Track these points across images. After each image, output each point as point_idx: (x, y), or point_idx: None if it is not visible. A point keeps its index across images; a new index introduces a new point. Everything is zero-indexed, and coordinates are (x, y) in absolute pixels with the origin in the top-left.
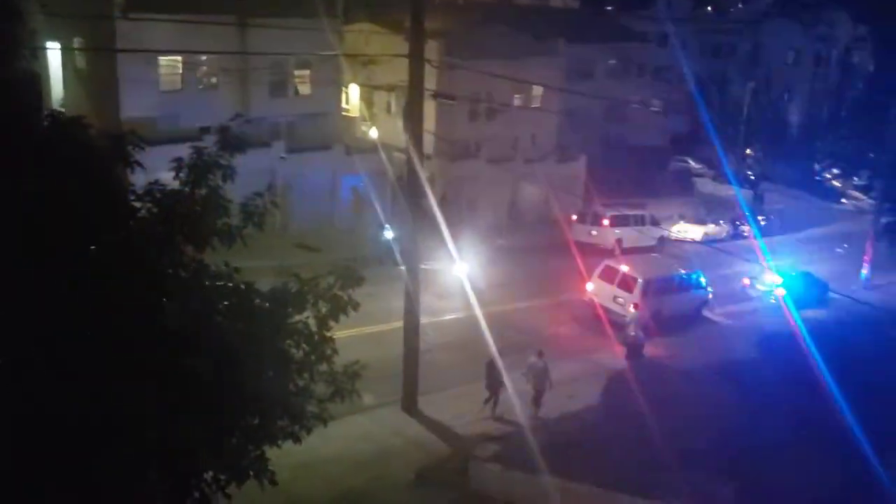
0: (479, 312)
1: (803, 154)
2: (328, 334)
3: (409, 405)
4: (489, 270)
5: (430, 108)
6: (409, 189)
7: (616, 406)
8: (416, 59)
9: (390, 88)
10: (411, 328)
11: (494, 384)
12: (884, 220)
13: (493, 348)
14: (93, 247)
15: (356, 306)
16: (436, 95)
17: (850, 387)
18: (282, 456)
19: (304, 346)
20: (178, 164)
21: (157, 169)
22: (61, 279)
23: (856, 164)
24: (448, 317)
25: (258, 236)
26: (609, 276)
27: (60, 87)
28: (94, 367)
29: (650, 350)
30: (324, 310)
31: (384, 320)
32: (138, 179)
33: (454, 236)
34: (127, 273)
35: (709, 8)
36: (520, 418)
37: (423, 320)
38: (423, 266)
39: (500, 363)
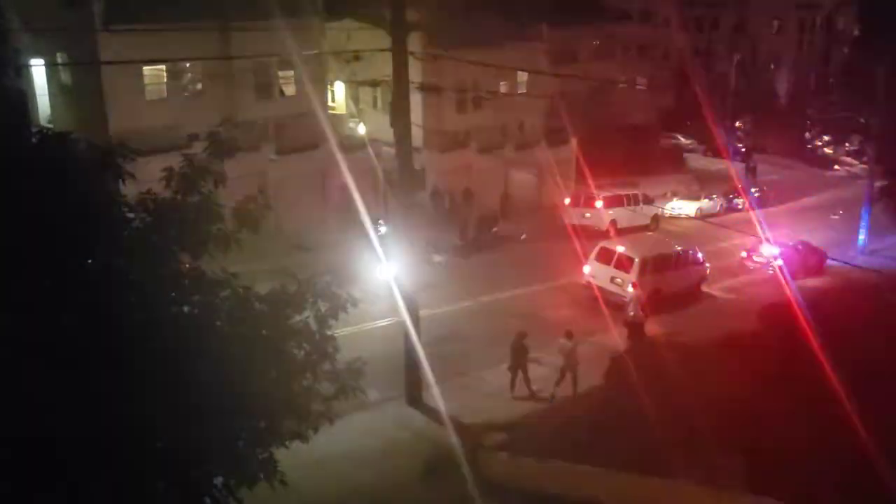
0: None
1: (793, 123)
2: (329, 333)
3: (414, 399)
4: (486, 258)
5: (416, 101)
6: (400, 183)
7: (620, 387)
8: (399, 53)
9: (375, 83)
10: (411, 321)
11: (516, 365)
12: (877, 184)
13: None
14: (89, 260)
15: (355, 303)
16: (421, 88)
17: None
18: (290, 456)
19: (305, 345)
20: (168, 173)
21: (149, 179)
22: (57, 293)
23: (846, 129)
24: (447, 308)
25: (253, 239)
26: (605, 257)
27: (47, 103)
28: (95, 379)
29: (651, 329)
30: (323, 308)
31: (383, 315)
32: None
33: (447, 227)
34: (123, 285)
35: None
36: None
37: (423, 312)
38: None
39: (524, 344)
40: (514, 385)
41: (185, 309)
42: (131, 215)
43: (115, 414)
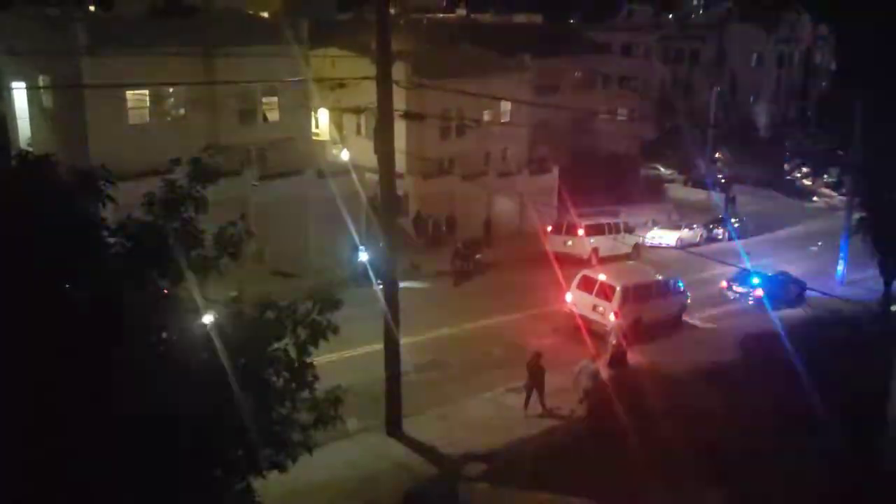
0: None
1: (772, 154)
2: (308, 360)
3: (394, 428)
4: (469, 284)
5: (400, 128)
6: (383, 209)
7: (602, 416)
8: (384, 81)
9: (359, 111)
10: (392, 350)
11: (532, 384)
12: (855, 216)
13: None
14: (67, 285)
15: (335, 330)
16: (405, 116)
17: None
18: (267, 487)
19: (284, 373)
20: (150, 198)
21: (130, 203)
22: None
23: (824, 161)
24: (429, 335)
25: (234, 265)
26: (587, 285)
27: (27, 126)
28: (69, 405)
29: (633, 358)
30: (303, 336)
31: (364, 343)
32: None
33: (430, 253)
34: (102, 310)
35: (670, 16)
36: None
37: (404, 340)
38: (402, 285)
39: (540, 364)
40: (527, 403)
41: (164, 335)
42: (111, 240)
43: (87, 438)
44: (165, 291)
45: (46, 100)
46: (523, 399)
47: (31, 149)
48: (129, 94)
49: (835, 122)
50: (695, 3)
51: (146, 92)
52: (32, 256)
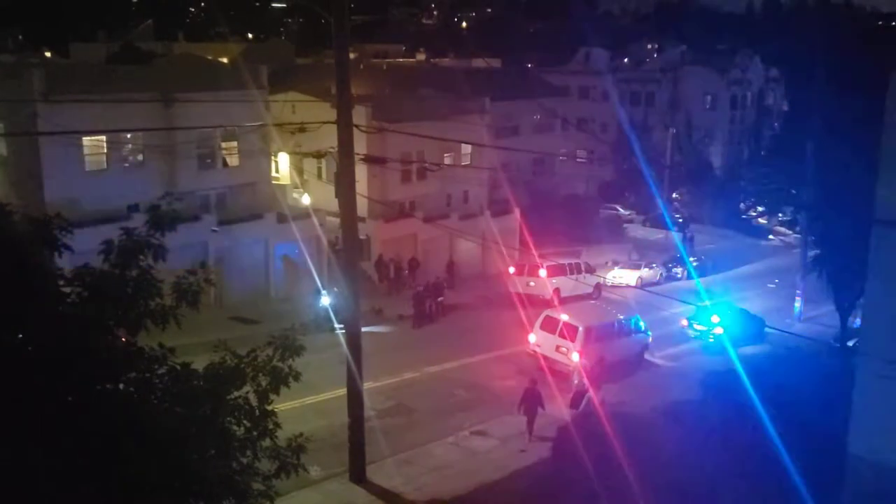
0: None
1: (728, 194)
2: (269, 408)
3: (358, 475)
4: (432, 327)
5: (361, 171)
6: (345, 253)
7: (567, 457)
8: (345, 125)
9: (320, 155)
10: (354, 395)
11: (529, 410)
12: (811, 252)
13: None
14: (20, 335)
15: (297, 376)
16: (366, 159)
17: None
18: None
19: (245, 422)
20: (107, 246)
21: (86, 252)
22: None
23: (779, 200)
24: (393, 379)
25: (193, 313)
26: (550, 326)
27: None
28: (21, 458)
29: (596, 397)
30: (264, 383)
31: (327, 388)
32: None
33: (393, 297)
34: (56, 361)
35: (625, 60)
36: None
37: (367, 385)
38: (364, 329)
39: (537, 390)
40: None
41: (121, 386)
42: (67, 289)
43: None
44: (123, 340)
45: (1, 146)
46: (522, 428)
47: None
48: (86, 140)
49: (788, 162)
50: (649, 47)
51: (103, 138)
52: None
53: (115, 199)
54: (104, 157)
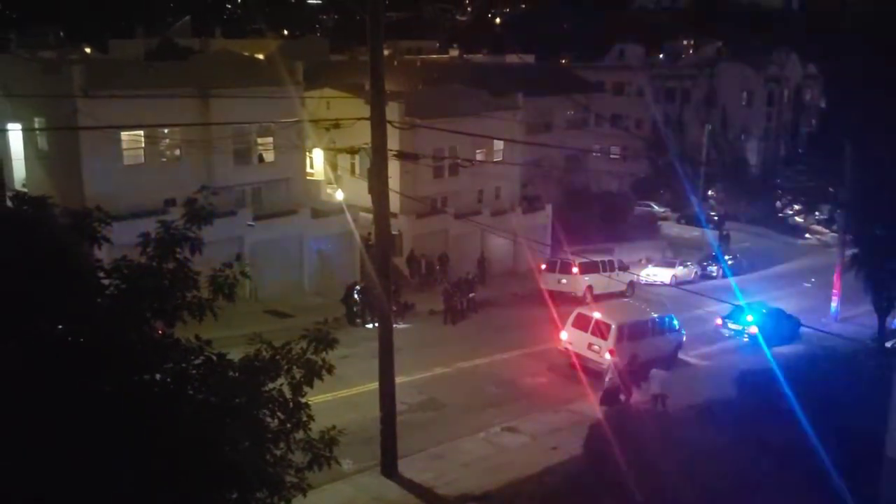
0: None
1: (764, 192)
2: (303, 400)
3: (389, 469)
4: (463, 323)
5: (394, 168)
6: (378, 248)
7: (598, 456)
8: (378, 122)
9: (354, 151)
10: (387, 389)
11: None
12: (849, 252)
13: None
14: (59, 326)
15: (330, 370)
16: (399, 156)
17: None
18: None
19: (279, 414)
20: (145, 239)
21: (125, 244)
22: (26, 360)
23: (816, 198)
24: (424, 374)
25: (228, 306)
26: (582, 323)
27: (23, 167)
28: (60, 450)
29: (629, 396)
30: (298, 376)
31: (359, 382)
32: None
33: (424, 292)
34: (94, 351)
35: (661, 56)
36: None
37: (399, 380)
38: (396, 325)
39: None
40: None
41: (157, 377)
42: (106, 281)
43: (81, 484)
44: (161, 332)
45: (42, 142)
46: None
47: (26, 190)
48: (125, 135)
49: (825, 160)
50: (685, 42)
51: (141, 133)
52: (25, 297)
53: (152, 193)
54: (142, 152)
